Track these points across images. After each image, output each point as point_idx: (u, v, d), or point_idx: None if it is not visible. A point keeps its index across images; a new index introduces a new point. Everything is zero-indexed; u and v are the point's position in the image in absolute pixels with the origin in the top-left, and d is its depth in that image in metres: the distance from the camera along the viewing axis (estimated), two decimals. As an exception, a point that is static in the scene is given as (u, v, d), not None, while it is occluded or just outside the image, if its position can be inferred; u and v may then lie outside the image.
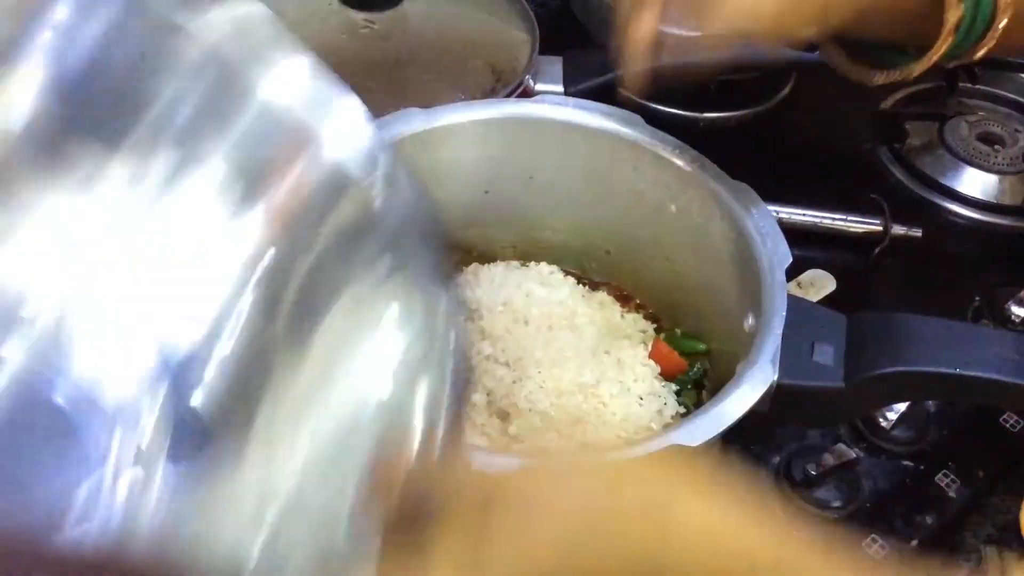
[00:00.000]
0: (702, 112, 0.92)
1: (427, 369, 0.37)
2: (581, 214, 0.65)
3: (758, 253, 0.55)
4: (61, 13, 0.35)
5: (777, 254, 0.55)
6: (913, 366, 0.50)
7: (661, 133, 0.60)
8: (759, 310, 0.53)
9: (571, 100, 0.62)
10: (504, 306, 0.61)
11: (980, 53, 0.57)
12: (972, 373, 0.50)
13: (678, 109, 0.91)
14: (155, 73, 0.36)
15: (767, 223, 0.56)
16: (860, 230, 0.83)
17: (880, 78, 0.60)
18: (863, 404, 0.53)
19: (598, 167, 0.62)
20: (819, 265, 0.81)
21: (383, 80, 0.71)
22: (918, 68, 0.57)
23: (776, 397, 0.50)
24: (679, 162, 0.59)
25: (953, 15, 0.54)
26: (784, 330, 0.51)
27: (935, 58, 0.56)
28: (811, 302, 0.56)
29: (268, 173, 0.38)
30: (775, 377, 0.50)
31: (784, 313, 0.52)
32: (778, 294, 0.53)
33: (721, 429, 0.47)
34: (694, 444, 0.46)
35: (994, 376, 0.50)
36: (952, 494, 0.68)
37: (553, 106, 0.62)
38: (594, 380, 0.57)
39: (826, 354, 0.52)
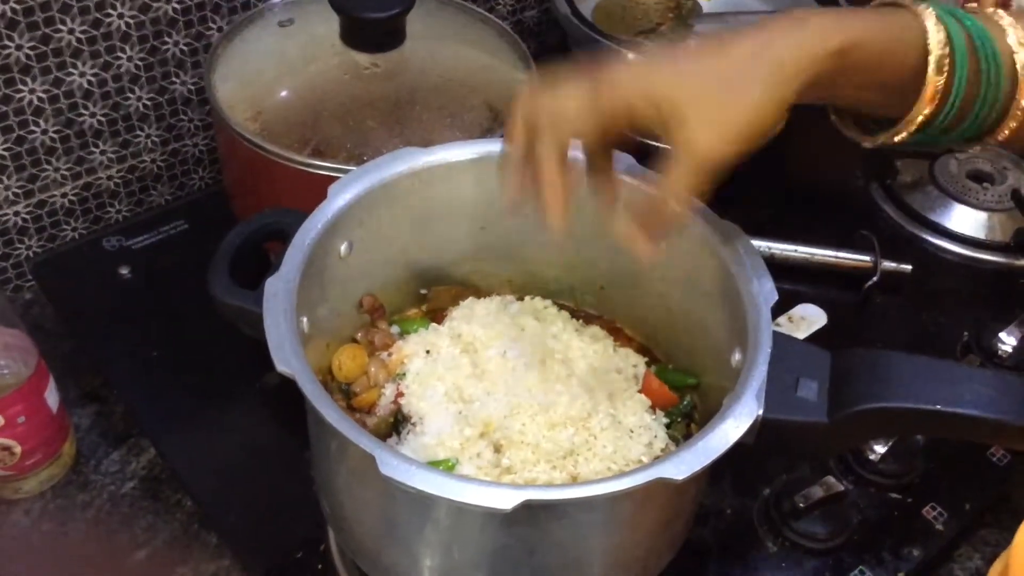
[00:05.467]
0: (697, 148, 0.93)
1: None
2: (574, 250, 0.66)
3: (745, 290, 0.56)
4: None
5: (763, 291, 0.56)
6: (895, 402, 0.51)
7: (652, 172, 0.62)
8: (745, 346, 0.54)
9: (565, 140, 0.63)
10: (498, 340, 0.62)
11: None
12: (952, 410, 0.50)
13: (673, 145, 0.93)
14: None
15: (754, 261, 0.57)
16: (851, 265, 0.85)
17: (868, 142, 0.61)
18: (846, 439, 0.54)
19: (591, 204, 0.64)
20: (810, 300, 0.83)
21: (384, 119, 0.72)
22: (900, 134, 0.57)
23: (761, 431, 0.52)
24: (670, 201, 0.61)
25: (932, 84, 0.54)
26: (769, 365, 0.52)
27: (912, 126, 0.56)
28: (796, 338, 0.57)
29: None
30: (760, 412, 0.51)
31: (769, 349, 0.53)
32: (764, 330, 0.54)
33: (707, 463, 0.48)
34: (680, 478, 0.47)
35: (974, 412, 0.50)
36: (939, 527, 0.69)
37: (547, 145, 0.63)
38: (585, 413, 0.58)
39: (810, 389, 0.53)
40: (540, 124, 0.54)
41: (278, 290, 0.53)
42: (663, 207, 0.53)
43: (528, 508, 0.46)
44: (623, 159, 0.62)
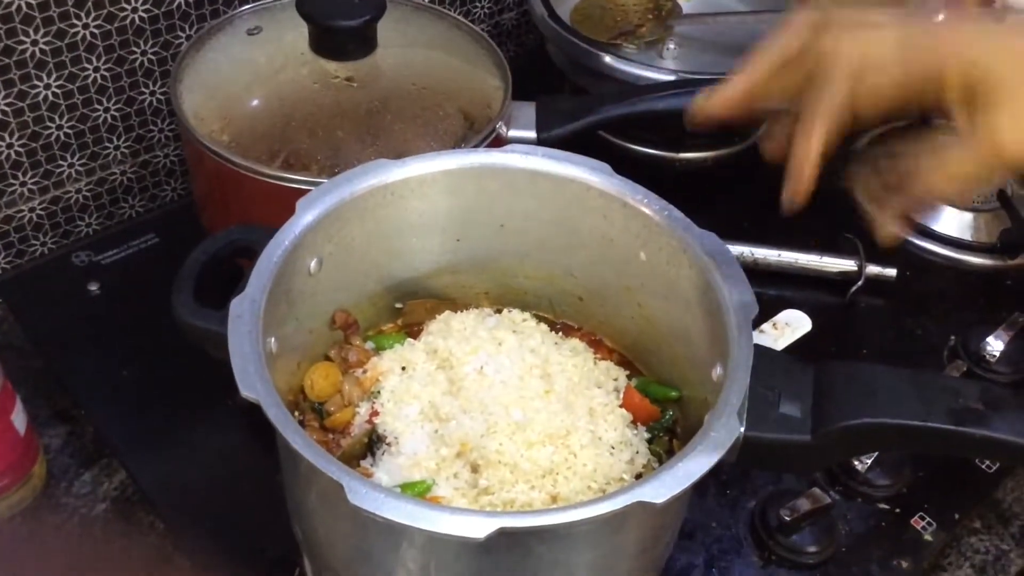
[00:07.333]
0: (678, 152, 0.92)
1: None
2: (552, 261, 0.65)
3: (725, 303, 0.54)
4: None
5: (744, 305, 0.54)
6: (879, 418, 0.50)
7: (629, 182, 0.60)
8: (726, 361, 0.53)
9: (540, 149, 0.62)
10: (475, 355, 0.60)
11: None
12: (937, 424, 0.49)
13: (655, 149, 0.91)
14: None
15: (734, 273, 0.56)
16: (835, 270, 0.84)
17: None
18: (830, 455, 0.52)
19: (568, 215, 0.62)
20: (795, 305, 0.82)
21: (355, 129, 0.70)
22: None
23: (743, 449, 0.50)
24: (647, 211, 0.59)
25: None
26: (751, 380, 0.51)
27: None
28: (778, 351, 0.55)
29: None
30: (742, 429, 0.50)
31: (750, 365, 0.51)
32: (744, 345, 0.52)
33: (687, 484, 0.47)
34: (659, 501, 0.46)
35: (958, 427, 0.49)
36: (928, 537, 0.68)
37: (522, 155, 0.61)
38: (564, 431, 0.57)
39: (793, 405, 0.51)
40: (830, 61, 0.46)
41: (243, 311, 0.51)
42: (924, 186, 0.47)
43: (503, 535, 0.45)
44: (602, 168, 0.61)
